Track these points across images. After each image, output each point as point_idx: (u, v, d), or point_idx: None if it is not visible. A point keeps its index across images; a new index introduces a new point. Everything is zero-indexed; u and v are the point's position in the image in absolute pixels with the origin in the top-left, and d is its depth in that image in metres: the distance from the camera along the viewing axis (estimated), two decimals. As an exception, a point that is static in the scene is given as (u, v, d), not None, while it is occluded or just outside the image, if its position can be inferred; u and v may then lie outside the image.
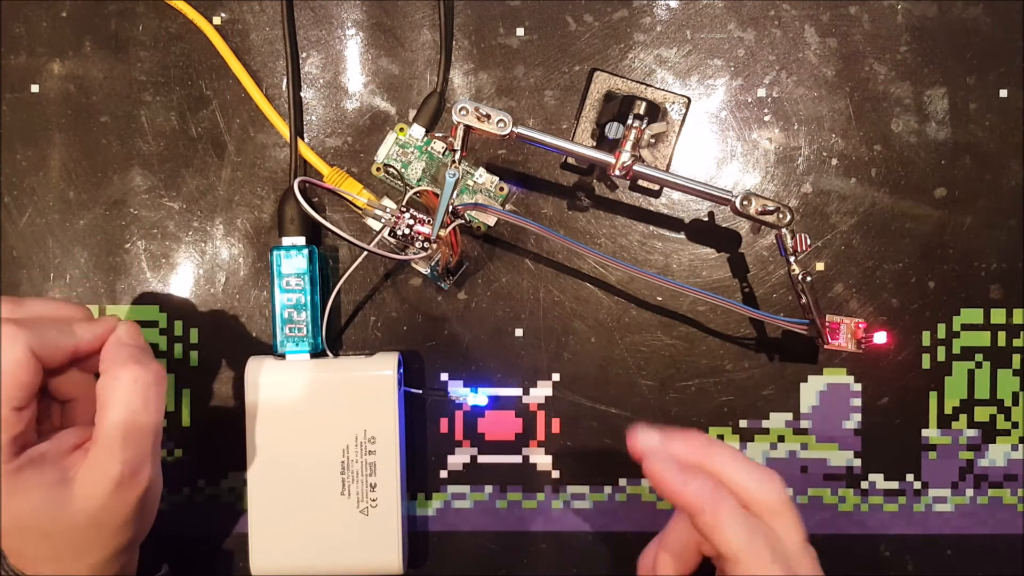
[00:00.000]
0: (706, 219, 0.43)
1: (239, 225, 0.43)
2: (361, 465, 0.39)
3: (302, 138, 0.42)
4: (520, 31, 0.43)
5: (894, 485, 0.42)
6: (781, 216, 0.37)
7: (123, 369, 0.34)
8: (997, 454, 0.42)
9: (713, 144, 0.43)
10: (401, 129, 0.42)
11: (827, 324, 0.39)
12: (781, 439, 0.42)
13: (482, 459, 0.43)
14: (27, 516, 0.33)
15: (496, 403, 0.43)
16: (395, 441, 0.39)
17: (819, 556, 0.36)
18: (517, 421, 0.43)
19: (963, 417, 0.42)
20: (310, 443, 0.39)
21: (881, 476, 0.42)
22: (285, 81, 0.42)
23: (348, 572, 0.40)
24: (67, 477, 0.33)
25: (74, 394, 0.36)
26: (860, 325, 0.40)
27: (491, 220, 0.42)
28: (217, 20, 0.43)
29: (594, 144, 0.41)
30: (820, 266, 0.42)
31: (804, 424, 0.42)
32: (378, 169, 0.42)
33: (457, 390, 0.42)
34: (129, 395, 0.33)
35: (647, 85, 0.41)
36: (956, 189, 0.42)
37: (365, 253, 0.39)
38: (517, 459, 0.43)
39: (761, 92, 0.42)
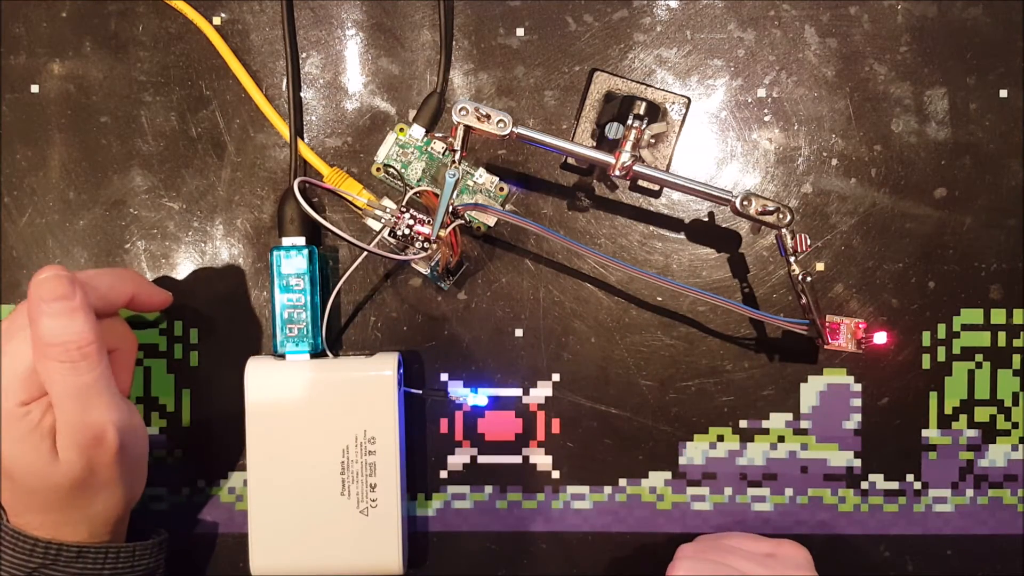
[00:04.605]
0: (706, 219, 0.43)
1: (239, 225, 0.43)
2: (361, 465, 0.39)
3: (302, 138, 0.42)
4: (520, 31, 0.43)
5: (894, 485, 0.42)
6: (781, 216, 0.37)
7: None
8: (997, 454, 0.42)
9: (713, 144, 0.43)
10: (401, 129, 0.42)
11: (827, 324, 0.39)
12: (781, 439, 0.42)
13: (482, 459, 0.43)
14: (18, 469, 0.34)
15: (496, 403, 0.43)
16: (395, 441, 0.39)
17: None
18: (517, 421, 0.43)
19: (963, 417, 0.42)
20: (310, 443, 0.39)
21: (881, 476, 0.42)
22: (285, 81, 0.42)
23: (348, 572, 0.40)
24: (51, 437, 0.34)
25: (113, 344, 0.37)
26: (860, 325, 0.40)
27: (491, 220, 0.41)
28: (217, 20, 0.43)
29: (594, 144, 0.41)
30: (820, 266, 0.42)
31: (804, 424, 0.42)
32: (378, 169, 0.42)
33: (457, 390, 0.42)
34: (55, 366, 0.33)
35: (647, 85, 0.41)
36: (956, 189, 0.42)
37: (365, 253, 0.39)
38: (517, 459, 0.43)
39: (761, 92, 0.42)
